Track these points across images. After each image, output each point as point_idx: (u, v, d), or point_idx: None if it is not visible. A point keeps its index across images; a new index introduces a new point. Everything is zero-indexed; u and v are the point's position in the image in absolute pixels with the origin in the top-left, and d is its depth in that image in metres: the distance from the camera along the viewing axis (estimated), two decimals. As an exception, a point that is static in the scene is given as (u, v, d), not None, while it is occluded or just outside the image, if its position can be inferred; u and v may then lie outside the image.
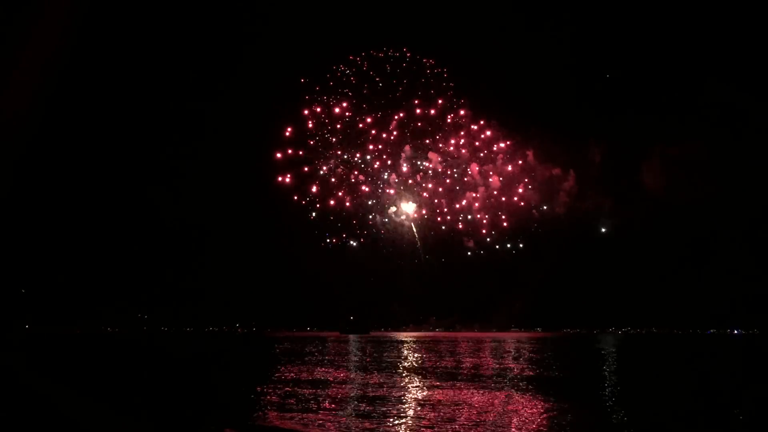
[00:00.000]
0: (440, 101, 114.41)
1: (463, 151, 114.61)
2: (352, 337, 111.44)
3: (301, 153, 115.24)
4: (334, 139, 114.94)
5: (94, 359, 39.43)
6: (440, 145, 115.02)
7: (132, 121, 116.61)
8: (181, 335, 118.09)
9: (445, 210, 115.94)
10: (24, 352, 45.83)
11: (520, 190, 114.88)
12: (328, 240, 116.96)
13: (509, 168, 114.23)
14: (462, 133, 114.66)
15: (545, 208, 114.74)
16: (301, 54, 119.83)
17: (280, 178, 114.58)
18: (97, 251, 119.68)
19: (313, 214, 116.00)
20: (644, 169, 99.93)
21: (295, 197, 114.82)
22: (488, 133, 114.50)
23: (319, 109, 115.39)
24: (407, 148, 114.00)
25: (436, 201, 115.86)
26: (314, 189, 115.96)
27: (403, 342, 76.33)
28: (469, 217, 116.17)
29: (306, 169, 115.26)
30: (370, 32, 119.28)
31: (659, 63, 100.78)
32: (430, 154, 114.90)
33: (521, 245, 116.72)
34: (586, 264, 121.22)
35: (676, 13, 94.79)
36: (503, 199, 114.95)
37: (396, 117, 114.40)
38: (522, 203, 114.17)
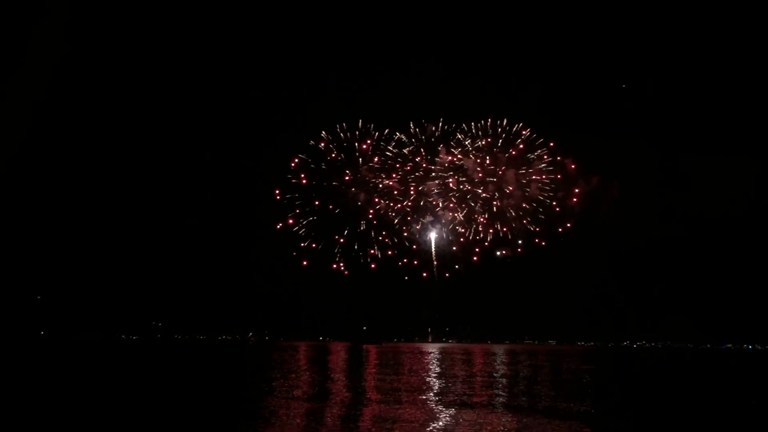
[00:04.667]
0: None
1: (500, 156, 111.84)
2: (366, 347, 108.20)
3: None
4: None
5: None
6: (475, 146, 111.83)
7: (154, 138, 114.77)
8: (197, 343, 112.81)
9: (481, 216, 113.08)
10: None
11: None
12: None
13: (545, 176, 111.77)
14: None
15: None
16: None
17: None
18: (112, 259, 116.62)
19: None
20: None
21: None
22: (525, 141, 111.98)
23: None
24: (441, 148, 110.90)
25: (470, 206, 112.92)
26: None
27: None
28: (500, 226, 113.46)
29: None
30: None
31: (710, 75, 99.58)
32: (465, 160, 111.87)
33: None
34: (614, 276, 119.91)
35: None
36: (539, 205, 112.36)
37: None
38: (559, 210, 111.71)
